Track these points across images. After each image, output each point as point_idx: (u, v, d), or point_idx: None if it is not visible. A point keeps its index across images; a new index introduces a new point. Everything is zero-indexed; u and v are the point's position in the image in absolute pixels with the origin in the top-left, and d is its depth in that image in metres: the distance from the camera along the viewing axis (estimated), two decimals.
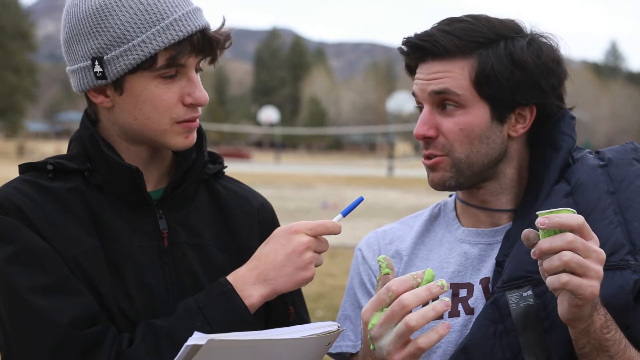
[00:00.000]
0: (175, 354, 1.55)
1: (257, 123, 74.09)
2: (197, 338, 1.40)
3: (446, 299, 1.52)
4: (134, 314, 1.68)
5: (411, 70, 1.91)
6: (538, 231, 1.52)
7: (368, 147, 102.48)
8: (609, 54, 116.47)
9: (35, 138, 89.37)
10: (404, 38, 1.88)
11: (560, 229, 1.49)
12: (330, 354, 1.93)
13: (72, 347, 1.58)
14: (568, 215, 1.50)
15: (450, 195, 2.06)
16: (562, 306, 1.55)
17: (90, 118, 1.79)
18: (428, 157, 1.86)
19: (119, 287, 1.69)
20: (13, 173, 1.79)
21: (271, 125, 66.50)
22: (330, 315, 8.23)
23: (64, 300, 1.60)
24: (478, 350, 1.72)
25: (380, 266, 1.62)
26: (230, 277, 1.69)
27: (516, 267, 1.74)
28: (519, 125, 1.85)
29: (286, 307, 1.88)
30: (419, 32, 1.86)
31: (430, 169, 1.87)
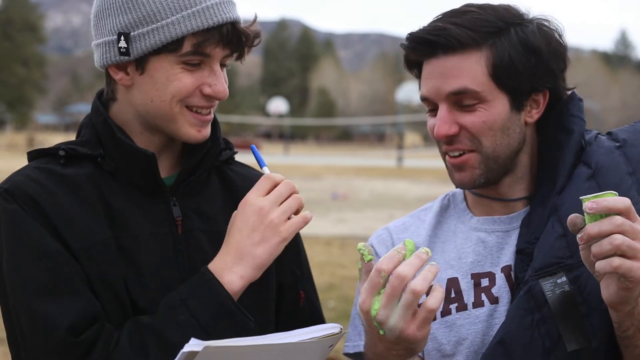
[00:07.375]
0: (162, 352, 1.55)
1: (266, 114, 74.07)
2: (193, 345, 1.35)
3: (433, 263, 1.51)
4: (146, 302, 1.67)
5: (412, 67, 1.85)
6: (583, 216, 1.50)
7: (377, 137, 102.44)
8: (618, 43, 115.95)
9: (44, 130, 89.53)
10: (409, 34, 1.81)
11: (607, 213, 1.48)
12: (348, 354, 1.89)
13: (68, 353, 1.58)
14: (615, 198, 1.49)
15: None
16: (609, 290, 1.53)
17: (103, 102, 1.78)
18: (454, 155, 1.80)
19: (132, 275, 1.68)
20: (24, 165, 1.78)
21: (280, 116, 66.42)
22: (342, 305, 8.22)
23: (63, 304, 1.59)
24: (516, 342, 1.68)
25: (362, 254, 1.56)
26: (210, 266, 1.66)
27: (547, 254, 1.71)
28: (534, 111, 1.83)
29: (297, 292, 1.88)
30: (424, 26, 1.80)
31: (458, 168, 1.80)
